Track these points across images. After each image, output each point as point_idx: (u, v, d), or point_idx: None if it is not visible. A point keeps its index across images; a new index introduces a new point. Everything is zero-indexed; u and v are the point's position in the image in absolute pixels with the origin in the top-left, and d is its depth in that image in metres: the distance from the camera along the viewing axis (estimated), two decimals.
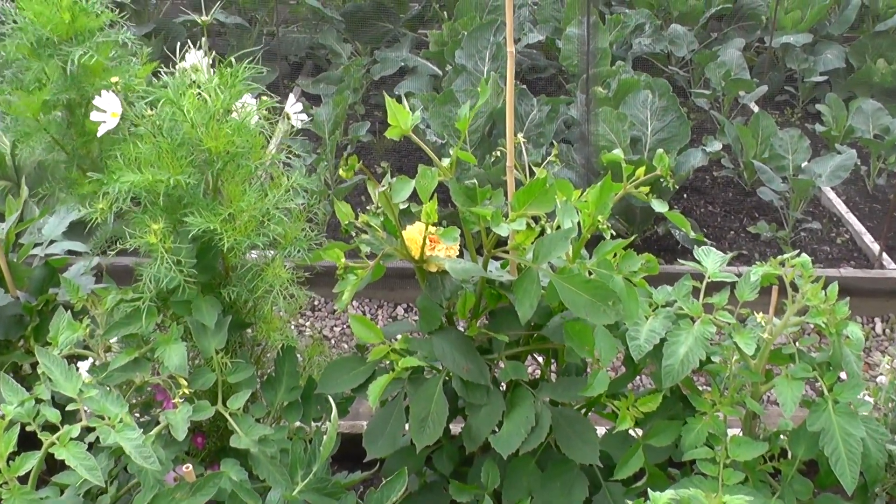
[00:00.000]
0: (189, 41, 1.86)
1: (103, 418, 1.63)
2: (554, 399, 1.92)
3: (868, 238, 4.21)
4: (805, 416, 1.79)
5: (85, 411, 1.66)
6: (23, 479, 1.61)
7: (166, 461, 1.73)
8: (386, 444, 1.92)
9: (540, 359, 2.12)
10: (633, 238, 1.91)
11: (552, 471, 1.93)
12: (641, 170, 1.92)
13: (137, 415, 1.98)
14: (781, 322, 1.85)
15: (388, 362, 1.91)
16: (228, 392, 1.85)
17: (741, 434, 1.94)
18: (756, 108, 5.28)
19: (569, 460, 1.88)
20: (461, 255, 1.90)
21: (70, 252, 2.45)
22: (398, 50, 5.86)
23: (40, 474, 1.66)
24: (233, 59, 1.77)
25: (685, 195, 4.73)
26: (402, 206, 1.83)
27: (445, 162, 1.83)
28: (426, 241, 1.83)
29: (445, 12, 6.25)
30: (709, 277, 1.93)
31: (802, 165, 4.35)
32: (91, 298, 1.95)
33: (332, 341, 3.63)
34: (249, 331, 2.01)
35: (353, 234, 1.88)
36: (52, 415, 1.65)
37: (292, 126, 1.94)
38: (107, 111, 1.72)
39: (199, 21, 1.95)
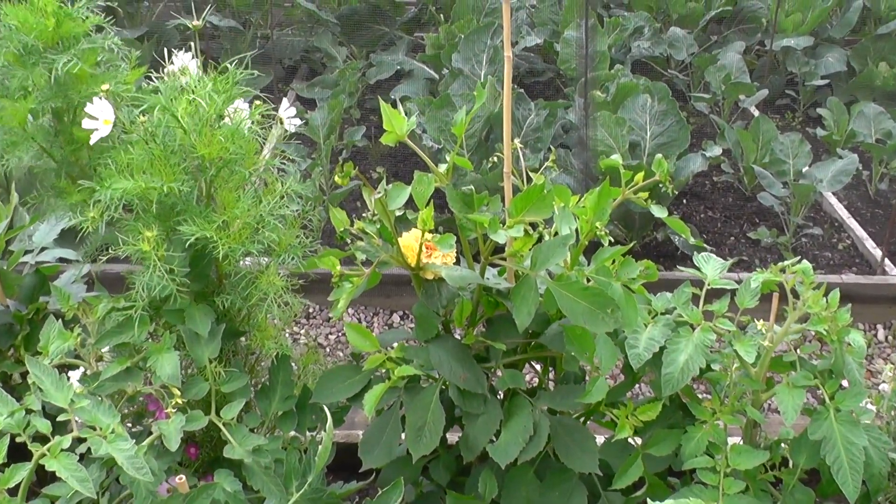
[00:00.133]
0: (182, 45, 1.86)
1: (95, 429, 1.63)
2: (552, 407, 1.92)
3: (870, 244, 4.22)
4: (806, 425, 1.80)
5: (76, 422, 1.65)
6: (12, 492, 1.61)
7: (159, 472, 1.73)
8: (382, 453, 1.92)
9: (538, 367, 2.12)
10: (631, 245, 1.91)
11: (551, 480, 1.93)
12: (640, 175, 1.92)
13: (129, 425, 1.98)
14: (782, 329, 1.86)
15: (384, 371, 1.91)
16: (222, 402, 1.85)
17: (742, 443, 1.94)
18: (756, 112, 5.29)
19: (567, 469, 1.88)
20: (458, 263, 1.90)
21: (61, 259, 2.45)
22: (394, 53, 5.88)
23: (30, 486, 1.66)
24: (228, 65, 1.77)
25: (685, 200, 4.73)
26: (398, 213, 1.84)
27: (442, 168, 1.83)
28: (422, 249, 1.84)
29: (442, 15, 6.26)
30: (709, 284, 1.93)
31: (803, 170, 4.35)
32: (82, 307, 1.94)
33: (328, 349, 3.63)
34: (243, 339, 2.01)
35: (349, 241, 1.89)
36: (43, 425, 1.64)
37: (286, 130, 1.95)
38: (99, 118, 1.72)
39: (191, 26, 1.95)
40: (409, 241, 1.85)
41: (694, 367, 1.77)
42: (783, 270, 1.85)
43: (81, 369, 1.89)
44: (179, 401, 1.76)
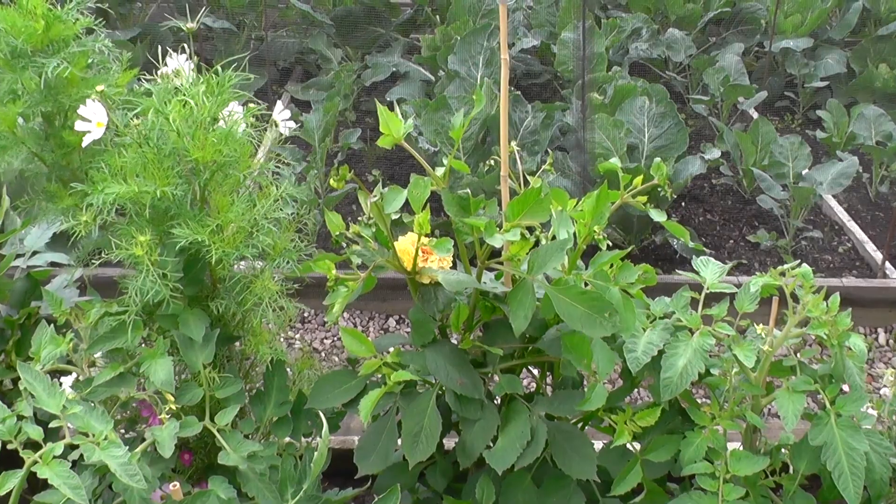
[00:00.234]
0: (175, 46, 1.86)
1: (87, 435, 1.63)
2: (550, 413, 1.92)
3: (871, 247, 4.23)
4: (807, 430, 1.80)
5: (68, 428, 1.65)
6: (4, 499, 1.61)
7: (152, 479, 1.73)
8: (378, 459, 1.92)
9: (535, 372, 2.12)
10: (630, 248, 1.92)
11: (548, 486, 1.93)
12: (639, 179, 1.93)
13: (122, 431, 1.98)
14: (782, 334, 1.86)
15: (379, 376, 1.91)
16: (216, 407, 1.85)
17: (741, 448, 1.94)
18: (755, 115, 5.30)
19: (565, 476, 1.88)
20: (454, 267, 1.91)
21: (53, 264, 2.44)
22: (390, 55, 5.88)
23: (22, 494, 1.66)
24: (219, 68, 1.78)
25: (683, 203, 4.74)
26: (394, 217, 1.84)
27: (439, 171, 1.83)
28: (419, 253, 1.84)
29: (438, 16, 6.26)
30: (708, 288, 1.93)
31: (803, 173, 4.36)
32: (74, 312, 1.94)
33: (323, 354, 3.63)
34: (238, 344, 2.01)
35: (344, 245, 1.89)
36: (35, 432, 1.64)
37: (281, 133, 1.95)
38: (91, 121, 1.72)
39: (184, 28, 1.95)
40: (406, 245, 1.85)
41: (693, 372, 1.77)
42: (783, 274, 1.85)
43: (74, 375, 1.89)
44: (173, 407, 1.76)
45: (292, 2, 6.05)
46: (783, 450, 1.94)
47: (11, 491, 1.60)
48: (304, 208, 1.92)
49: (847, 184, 4.22)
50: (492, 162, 2.15)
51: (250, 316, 1.91)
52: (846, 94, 5.79)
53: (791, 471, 1.89)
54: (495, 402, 1.95)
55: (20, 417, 1.67)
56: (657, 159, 1.97)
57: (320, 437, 1.86)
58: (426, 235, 1.80)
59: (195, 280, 1.83)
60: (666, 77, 5.88)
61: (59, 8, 1.81)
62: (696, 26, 6.15)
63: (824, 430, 1.77)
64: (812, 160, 4.45)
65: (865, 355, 1.86)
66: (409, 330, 2.33)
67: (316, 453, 1.82)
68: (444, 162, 1.85)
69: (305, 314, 3.83)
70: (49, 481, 1.56)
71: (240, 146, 1.77)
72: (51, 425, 1.65)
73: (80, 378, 1.87)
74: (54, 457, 1.59)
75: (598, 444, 1.94)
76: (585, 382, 1.97)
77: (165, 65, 1.80)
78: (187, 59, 1.81)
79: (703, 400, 2.17)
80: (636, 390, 3.11)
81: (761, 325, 1.90)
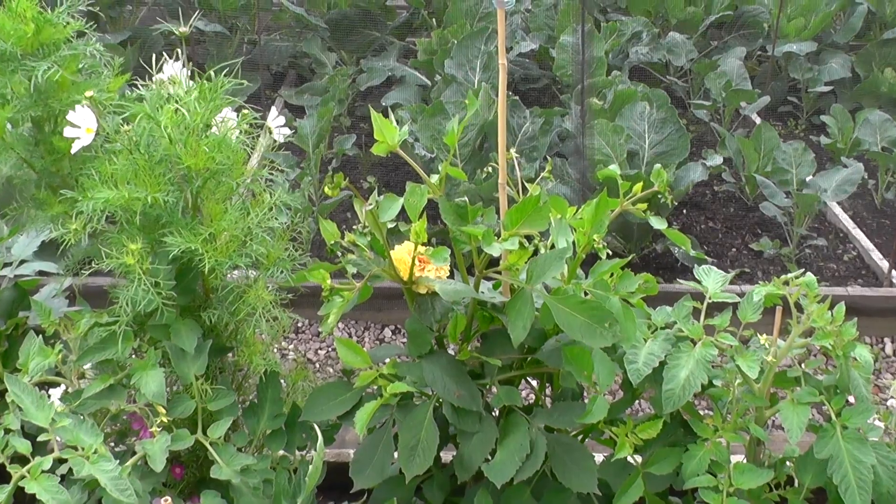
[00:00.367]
0: (167, 50, 1.86)
1: (77, 449, 1.63)
2: (549, 425, 1.92)
3: (876, 255, 4.23)
4: (812, 442, 1.80)
5: (57, 442, 1.65)
6: None
7: (143, 494, 1.73)
8: (374, 473, 1.92)
9: (534, 383, 2.12)
10: (630, 257, 1.92)
11: (548, 500, 1.93)
12: (639, 186, 1.93)
13: (112, 445, 1.98)
14: (786, 344, 1.87)
15: (375, 388, 1.92)
16: (209, 420, 1.85)
17: (745, 461, 1.94)
18: (758, 120, 5.31)
19: (565, 489, 1.88)
20: (452, 276, 1.91)
21: (41, 273, 2.44)
22: (385, 59, 5.89)
23: None
24: (213, 73, 1.78)
25: (685, 211, 4.75)
26: (390, 225, 1.84)
27: (435, 178, 1.84)
28: (415, 262, 1.84)
29: (434, 20, 6.27)
30: (710, 298, 1.94)
31: (807, 179, 4.37)
32: (63, 322, 1.94)
33: (317, 365, 3.63)
34: (230, 355, 2.01)
35: (339, 254, 1.89)
36: (22, 446, 1.64)
37: (275, 140, 1.95)
38: (81, 127, 1.72)
39: (176, 32, 1.96)
40: (402, 254, 1.86)
41: (695, 383, 1.78)
42: (787, 283, 1.86)
43: (63, 387, 1.89)
44: (164, 419, 1.76)
45: (286, 4, 6.06)
46: (788, 463, 1.95)
47: None
48: (298, 216, 1.93)
49: (852, 190, 4.23)
50: (489, 169, 2.16)
51: (243, 326, 1.92)
52: (851, 99, 5.80)
53: (796, 484, 1.89)
54: (493, 414, 1.95)
55: (7, 431, 1.67)
56: (658, 166, 1.98)
57: (315, 450, 1.86)
58: (423, 244, 1.81)
59: (187, 290, 1.84)
60: (667, 82, 5.89)
61: (49, 11, 1.81)
62: (697, 30, 6.16)
63: (830, 442, 1.77)
64: (816, 166, 4.46)
65: (872, 366, 1.87)
66: (405, 340, 2.33)
67: (311, 467, 1.82)
68: (441, 168, 1.86)
69: (299, 324, 3.83)
70: (37, 496, 1.56)
71: (233, 153, 1.77)
72: (39, 439, 1.65)
73: (69, 390, 1.87)
74: (42, 471, 1.59)
75: (598, 457, 1.94)
76: (585, 394, 1.98)
77: (161, 71, 1.81)
78: (183, 66, 1.81)
79: (706, 411, 2.18)
80: (637, 402, 3.11)
81: (765, 336, 1.90)
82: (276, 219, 1.84)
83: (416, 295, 1.89)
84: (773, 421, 3.12)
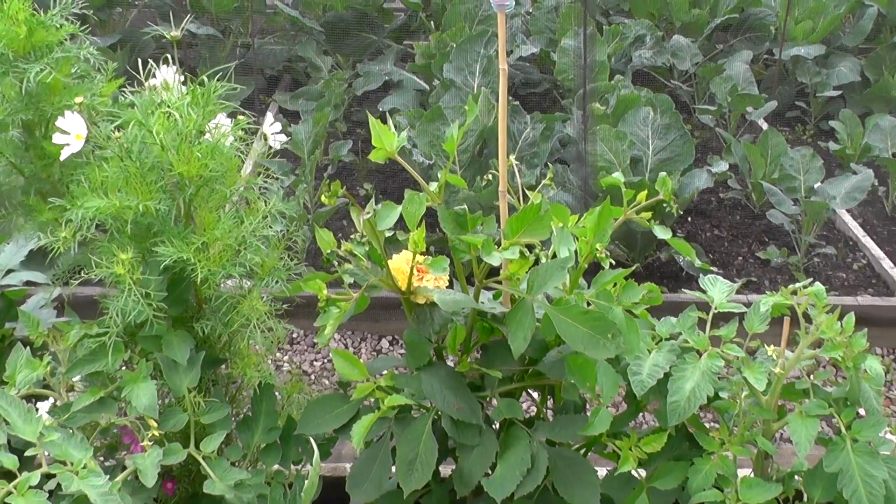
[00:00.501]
0: (158, 53, 1.86)
1: (65, 464, 1.63)
2: (551, 439, 1.92)
3: (887, 263, 4.24)
4: (821, 456, 1.80)
5: (45, 456, 1.65)
6: None
7: None
8: (371, 488, 1.92)
9: (535, 395, 2.12)
10: (634, 267, 1.93)
11: None
12: (643, 193, 1.94)
13: (102, 459, 1.98)
14: (794, 355, 1.87)
15: (372, 400, 1.92)
16: (201, 434, 1.85)
17: (752, 475, 1.94)
18: (765, 125, 5.33)
19: None
20: (451, 286, 1.91)
21: (29, 283, 2.44)
22: (382, 63, 5.90)
23: None
24: (205, 77, 1.78)
25: (689, 219, 4.76)
26: (387, 234, 1.85)
27: (433, 185, 1.84)
28: (414, 272, 1.84)
29: (433, 22, 6.29)
30: (715, 308, 1.94)
31: (815, 186, 4.38)
32: (52, 333, 1.94)
33: (313, 377, 3.63)
34: (224, 367, 2.01)
35: (336, 264, 1.89)
36: (9, 461, 1.64)
37: (270, 147, 1.96)
38: (70, 133, 1.73)
39: (168, 36, 1.96)
40: (400, 263, 1.86)
41: (701, 396, 1.78)
42: (794, 293, 1.86)
43: (51, 400, 1.89)
44: (156, 433, 1.76)
45: (280, 7, 6.07)
46: (796, 477, 1.95)
47: None
48: (293, 225, 1.93)
49: (862, 198, 4.24)
50: (489, 176, 2.16)
51: (237, 337, 1.92)
52: (860, 103, 5.81)
53: (805, 499, 1.89)
54: (494, 427, 1.95)
55: None
56: (662, 173, 1.98)
57: (311, 464, 1.86)
58: (421, 253, 1.81)
59: (179, 300, 1.84)
60: (671, 86, 5.91)
61: (41, 13, 1.82)
62: (702, 33, 6.17)
63: (840, 456, 1.77)
64: (825, 173, 4.46)
65: (882, 378, 1.87)
66: (403, 352, 2.34)
67: (306, 481, 1.82)
68: (440, 175, 1.86)
69: (294, 335, 3.83)
70: None
71: (227, 160, 1.78)
72: (26, 453, 1.65)
73: (58, 403, 1.87)
74: (30, 487, 1.58)
75: (601, 471, 1.94)
76: (588, 406, 1.98)
77: (153, 76, 1.81)
78: (175, 72, 1.82)
79: (712, 424, 2.18)
80: (641, 415, 3.11)
81: (772, 347, 1.90)
82: (270, 227, 1.85)
83: (415, 305, 1.90)
84: (782, 434, 3.12)
